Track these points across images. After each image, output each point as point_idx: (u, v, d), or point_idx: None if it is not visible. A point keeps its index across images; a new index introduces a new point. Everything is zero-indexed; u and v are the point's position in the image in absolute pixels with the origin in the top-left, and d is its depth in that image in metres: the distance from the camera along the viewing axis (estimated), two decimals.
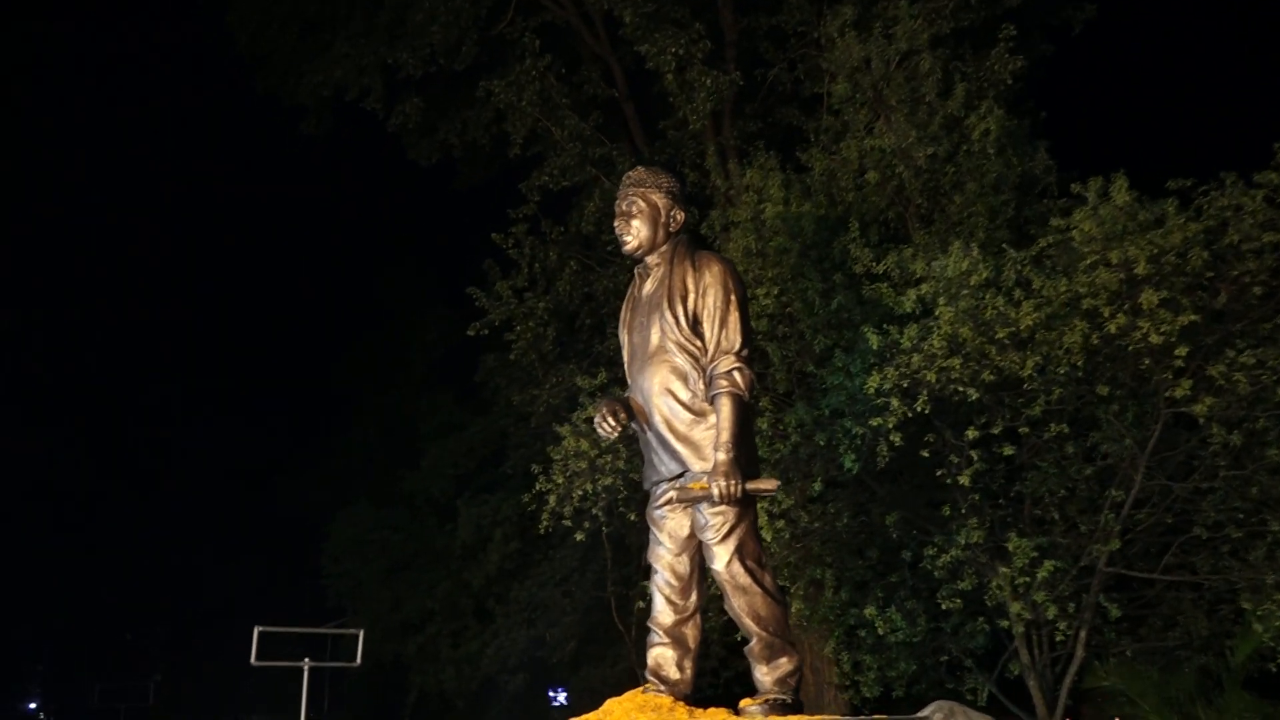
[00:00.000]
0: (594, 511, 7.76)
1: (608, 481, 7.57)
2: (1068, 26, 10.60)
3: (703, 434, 4.17)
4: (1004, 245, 6.55)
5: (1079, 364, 6.12)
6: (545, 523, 7.86)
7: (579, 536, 7.85)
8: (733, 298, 4.25)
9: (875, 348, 6.43)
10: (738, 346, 4.19)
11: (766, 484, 4.08)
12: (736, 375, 4.14)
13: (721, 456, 4.01)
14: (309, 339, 16.77)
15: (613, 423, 4.22)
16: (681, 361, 4.21)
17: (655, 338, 4.29)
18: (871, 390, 6.27)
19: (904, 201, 8.11)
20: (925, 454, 6.63)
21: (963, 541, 6.64)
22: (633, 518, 7.96)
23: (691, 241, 4.55)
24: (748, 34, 11.40)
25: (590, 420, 7.87)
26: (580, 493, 7.55)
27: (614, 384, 8.63)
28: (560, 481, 7.68)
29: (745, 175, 8.13)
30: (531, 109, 10.54)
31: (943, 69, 8.26)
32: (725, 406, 4.08)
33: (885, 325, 6.64)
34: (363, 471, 16.84)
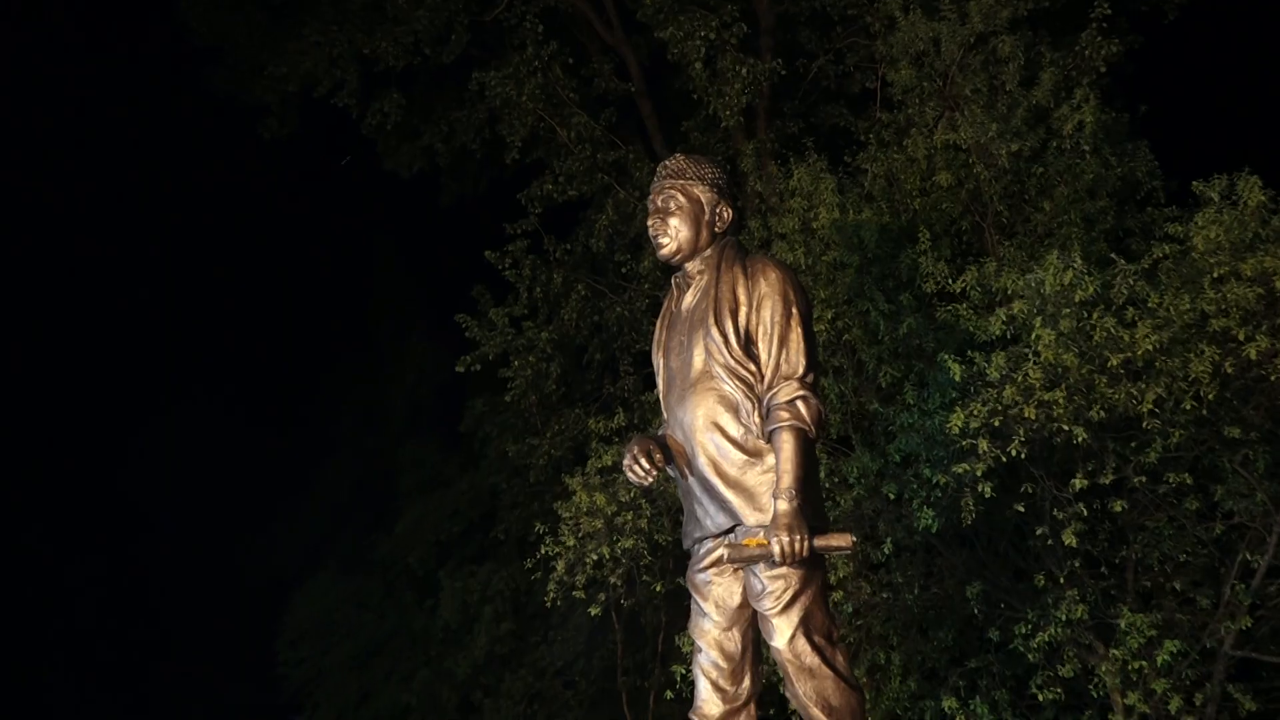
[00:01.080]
0: (611, 580, 7.62)
1: (628, 544, 7.45)
2: (1159, 13, 10.58)
3: (758, 478, 4.09)
4: (1113, 256, 6.31)
5: (1209, 397, 5.83)
6: (552, 593, 7.74)
7: (594, 610, 7.70)
8: (794, 310, 4.20)
9: (957, 379, 6.28)
10: (801, 370, 4.11)
11: (839, 540, 3.99)
12: (800, 405, 4.05)
13: (783, 506, 3.91)
14: (269, 380, 16.58)
15: (646, 465, 4.15)
16: (731, 389, 4.14)
17: (698, 361, 4.23)
18: (955, 430, 6.07)
19: (981, 208, 8.05)
20: (1020, 508, 6.37)
21: (1063, 618, 6.35)
22: (658, 588, 7.85)
23: (740, 245, 4.47)
24: (786, 20, 11.46)
25: (604, 471, 7.85)
26: (595, 557, 7.46)
27: (634, 428, 8.43)
28: (571, 544, 7.57)
29: (792, 178, 8.02)
30: (533, 105, 10.57)
31: (1024, 53, 8.23)
32: (787, 444, 3.99)
33: (968, 352, 6.44)
34: (331, 534, 16.62)
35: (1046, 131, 7.96)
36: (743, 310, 4.20)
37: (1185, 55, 11.76)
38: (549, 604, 7.89)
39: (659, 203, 4.42)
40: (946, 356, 6.42)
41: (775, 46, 10.79)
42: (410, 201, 14.63)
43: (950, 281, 7.16)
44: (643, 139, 11.43)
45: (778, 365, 4.10)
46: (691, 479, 4.22)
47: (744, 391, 4.12)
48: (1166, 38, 10.79)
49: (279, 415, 16.02)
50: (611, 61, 11.65)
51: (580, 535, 7.60)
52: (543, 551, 7.91)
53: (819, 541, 3.91)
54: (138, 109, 14.14)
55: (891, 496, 6.83)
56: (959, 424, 6.11)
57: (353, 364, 16.90)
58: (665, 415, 4.38)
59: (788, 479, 3.94)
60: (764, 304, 4.18)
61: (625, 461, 4.23)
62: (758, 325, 4.17)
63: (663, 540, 7.62)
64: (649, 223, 4.44)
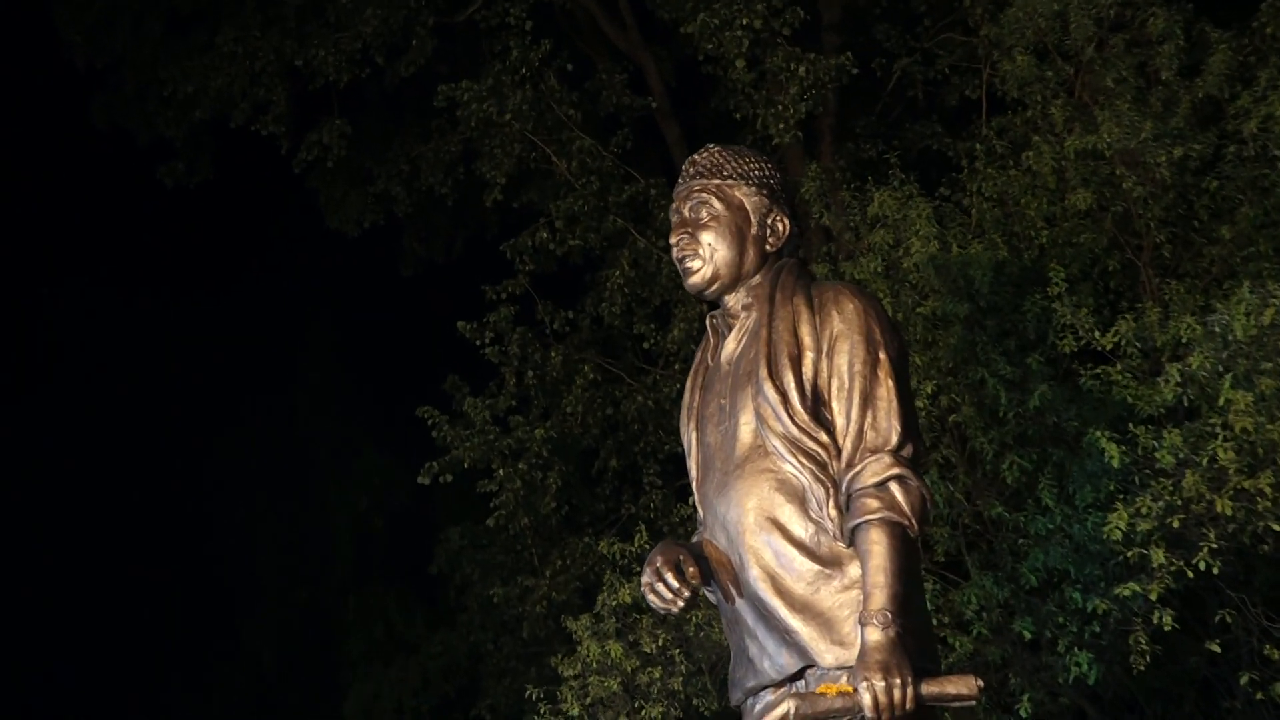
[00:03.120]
0: None
1: (655, 713, 7.40)
2: None
3: (836, 598, 3.96)
4: None
5: None
6: None
7: None
8: (881, 355, 4.08)
9: (1115, 465, 6.19)
10: (895, 439, 3.97)
11: (957, 686, 3.80)
12: (895, 489, 3.90)
13: (875, 636, 3.76)
14: (153, 511, 16.43)
15: (675, 584, 4.05)
16: (794, 470, 4.03)
17: (747, 432, 4.14)
18: (1115, 537, 5.99)
19: (1135, 238, 8.06)
20: (1214, 647, 6.24)
21: None
22: None
23: (803, 267, 4.40)
24: (855, 12, 11.61)
25: (622, 612, 7.85)
26: None
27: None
28: (576, 714, 7.56)
29: (872, 204, 8.00)
30: (521, 126, 10.63)
31: (1184, 31, 8.25)
32: (878, 545, 3.86)
33: (1129, 428, 6.35)
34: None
35: (1220, 133, 7.98)
36: (808, 357, 4.09)
37: None
38: None
39: (686, 211, 4.36)
40: (1098, 435, 6.31)
41: (842, 46, 10.87)
42: (360, 269, 14.76)
43: (1096, 336, 7.05)
44: (667, 170, 11.44)
45: (860, 433, 3.97)
46: (740, 603, 4.11)
47: (813, 473, 4.00)
48: None
49: (170, 558, 15.73)
50: (625, 70, 11.79)
51: (588, 702, 7.56)
52: None
53: (929, 688, 3.74)
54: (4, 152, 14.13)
55: (1027, 636, 6.70)
56: (1120, 528, 6.03)
57: (277, 486, 16.72)
58: (701, 512, 4.30)
59: (881, 597, 3.78)
60: (839, 347, 4.07)
61: (645, 579, 4.12)
62: (831, 378, 4.06)
63: (705, 709, 7.53)
64: (673, 240, 4.35)
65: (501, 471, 10.34)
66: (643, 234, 10.86)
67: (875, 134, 11.12)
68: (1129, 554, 6.07)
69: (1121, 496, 6.24)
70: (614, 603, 7.78)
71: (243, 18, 11.76)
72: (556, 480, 10.58)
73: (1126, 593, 6.04)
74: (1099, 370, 7.02)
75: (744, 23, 9.67)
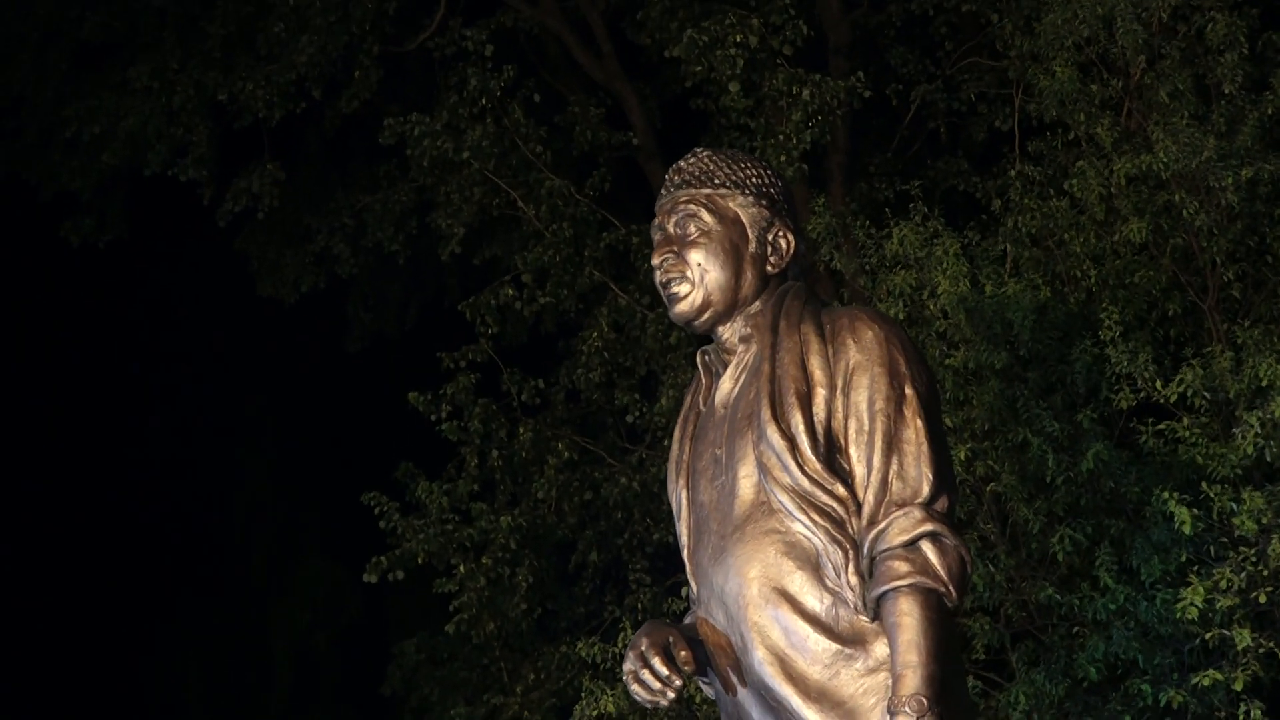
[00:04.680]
0: None
1: None
2: None
3: (859, 683, 3.90)
4: None
5: None
6: None
7: None
8: (908, 391, 4.03)
9: (1188, 533, 6.19)
10: (926, 491, 3.91)
11: None
12: (928, 550, 3.83)
13: None
14: (57, 639, 16.40)
15: (663, 671, 3.99)
16: (805, 530, 3.98)
17: (747, 487, 4.10)
18: (1190, 616, 5.95)
19: (1198, 276, 8.09)
20: None
21: None
22: None
23: (811, 291, 4.35)
24: (867, 35, 11.75)
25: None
26: None
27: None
28: None
29: (893, 239, 8.08)
30: (481, 165, 10.68)
31: (1247, 40, 8.35)
32: (908, 617, 3.79)
33: (1202, 488, 6.34)
34: None
35: None
36: (820, 395, 4.03)
37: None
38: None
39: (671, 227, 4.36)
40: (1166, 497, 6.30)
41: (852, 72, 11.08)
42: (296, 344, 14.75)
43: (1158, 387, 7.10)
44: (650, 215, 11.26)
45: (885, 484, 3.91)
46: (743, 693, 4.06)
47: (828, 532, 3.93)
48: None
49: (76, 695, 15.58)
50: (602, 105, 11.91)
51: None
52: None
53: None
54: None
55: None
56: (1196, 605, 5.99)
57: (200, 602, 16.57)
58: (694, 585, 4.25)
59: (913, 679, 3.69)
60: (856, 382, 4.01)
61: (627, 665, 4.07)
62: (847, 418, 4.00)
63: None
64: (655, 260, 4.33)
65: (462, 568, 10.26)
66: (624, 289, 10.88)
67: (892, 172, 11.20)
68: (1207, 636, 6.05)
69: (1196, 569, 6.22)
70: (594, 713, 7.74)
71: (160, 50, 11.84)
72: (527, 578, 10.47)
73: (1206, 682, 6.01)
74: (1162, 426, 7.03)
75: (737, 39, 9.75)
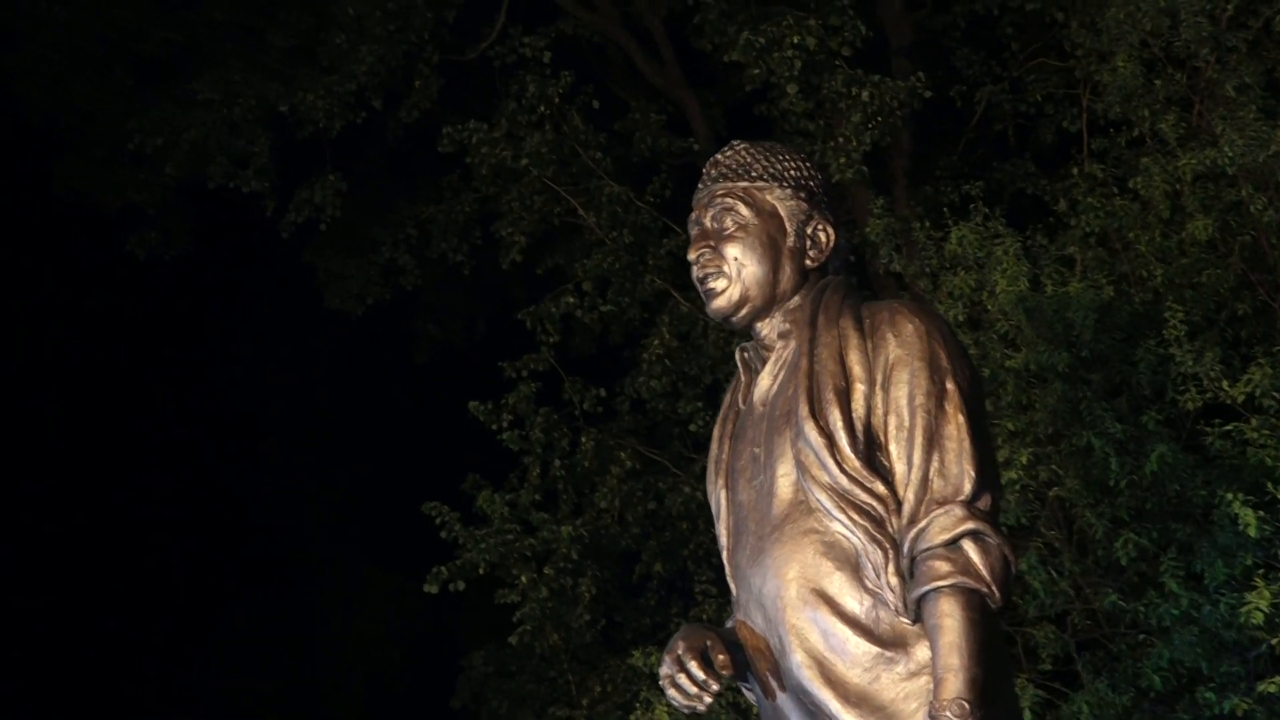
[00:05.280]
0: None
1: None
2: None
3: (899, 687, 3.86)
4: None
5: None
6: None
7: None
8: (949, 385, 3.99)
9: (1254, 535, 6.20)
10: (968, 488, 3.87)
11: None
12: (970, 549, 3.79)
13: None
14: (112, 653, 16.60)
15: (700, 676, 3.95)
16: (845, 529, 3.94)
17: (785, 485, 4.08)
18: (1256, 621, 5.96)
19: (1267, 274, 8.21)
20: None
21: None
22: None
23: (851, 286, 4.31)
24: (930, 36, 11.81)
25: None
26: None
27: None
28: None
29: (951, 239, 8.08)
30: (540, 172, 10.75)
31: None
32: (950, 619, 3.75)
33: (1271, 490, 6.36)
34: None
35: None
36: (859, 390, 3.99)
37: None
38: None
39: (708, 221, 4.30)
40: (1232, 499, 6.27)
41: (914, 73, 11.10)
42: (363, 356, 14.89)
43: (1225, 387, 7.10)
44: None
45: (925, 481, 3.87)
46: (782, 697, 4.02)
47: (867, 531, 3.89)
48: None
49: (131, 710, 15.73)
50: (663, 111, 11.96)
51: None
52: None
53: None
54: None
55: None
56: (1263, 609, 6.01)
57: (261, 615, 16.70)
58: (734, 587, 4.22)
59: (956, 683, 3.64)
60: (896, 377, 3.97)
61: (664, 670, 4.03)
62: (887, 415, 3.96)
63: None
64: (692, 255, 4.28)
65: (524, 578, 10.30)
66: (686, 297, 10.85)
67: (958, 175, 11.18)
68: (1274, 642, 6.08)
69: (1262, 573, 6.21)
70: None
71: (222, 63, 11.97)
72: (590, 588, 10.53)
73: (1272, 689, 6.03)
74: (1229, 427, 7.02)
75: (794, 40, 9.75)
